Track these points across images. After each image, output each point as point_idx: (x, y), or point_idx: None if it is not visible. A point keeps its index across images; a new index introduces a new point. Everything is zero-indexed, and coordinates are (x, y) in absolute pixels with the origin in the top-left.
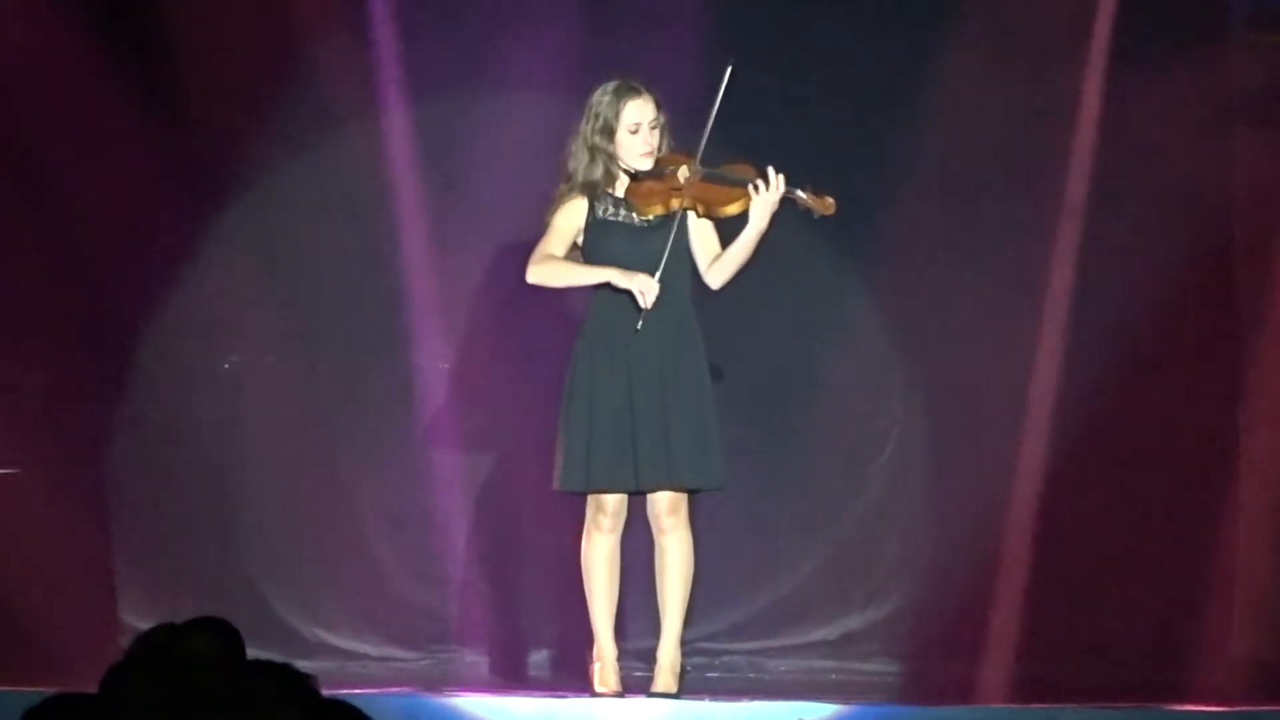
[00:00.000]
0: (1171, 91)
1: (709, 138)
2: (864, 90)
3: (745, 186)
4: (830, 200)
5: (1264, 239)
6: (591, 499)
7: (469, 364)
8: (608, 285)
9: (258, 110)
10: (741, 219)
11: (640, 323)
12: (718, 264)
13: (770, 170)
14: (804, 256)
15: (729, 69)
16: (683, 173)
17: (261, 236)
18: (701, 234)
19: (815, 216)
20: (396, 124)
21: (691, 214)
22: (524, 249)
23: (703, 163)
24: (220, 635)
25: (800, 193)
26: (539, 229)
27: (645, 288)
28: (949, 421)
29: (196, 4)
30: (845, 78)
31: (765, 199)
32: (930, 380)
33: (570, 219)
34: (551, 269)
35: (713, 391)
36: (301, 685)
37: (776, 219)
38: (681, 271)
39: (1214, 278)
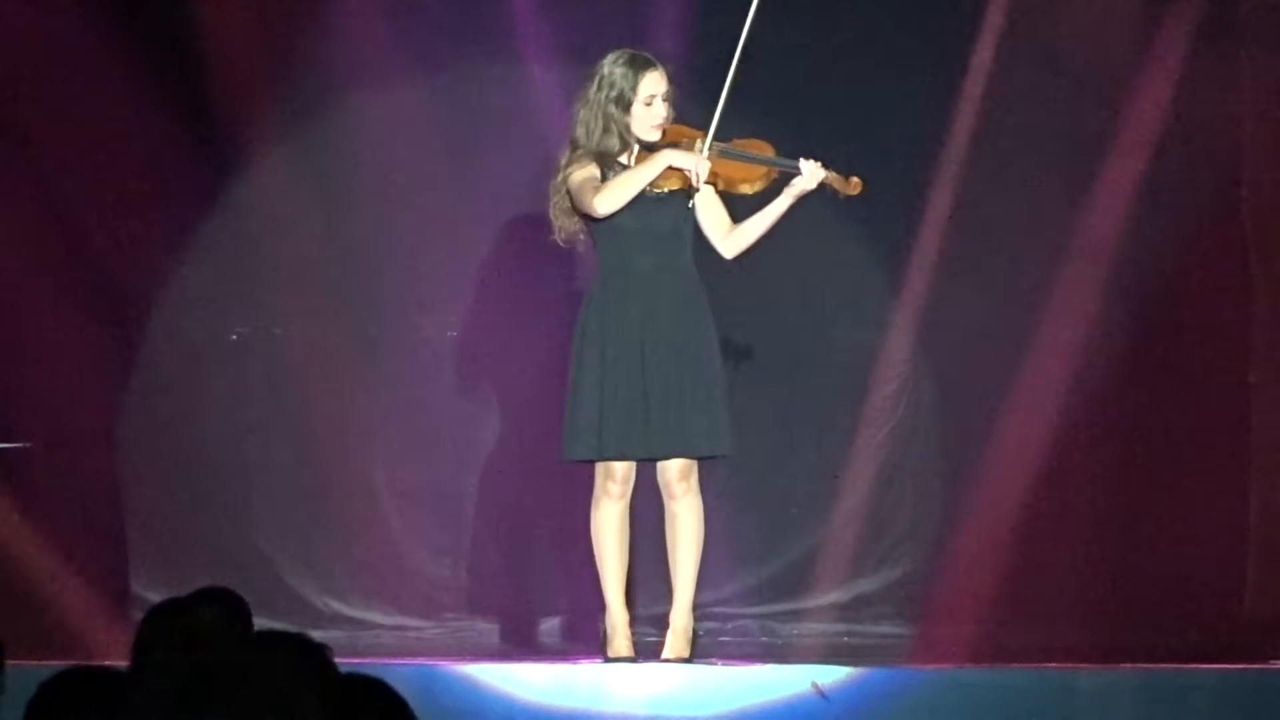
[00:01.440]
0: (1183, 76)
1: (722, 114)
2: (873, 65)
3: (769, 164)
4: (856, 180)
5: (1276, 224)
6: (600, 467)
7: (477, 334)
8: (612, 255)
9: (264, 82)
10: (755, 195)
11: (691, 202)
12: (735, 236)
13: (804, 160)
14: (813, 224)
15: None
16: (697, 147)
17: (268, 209)
18: (712, 207)
19: (841, 198)
20: (402, 95)
21: (711, 188)
22: (530, 219)
23: (716, 138)
24: (227, 605)
25: (828, 173)
26: (544, 199)
27: (701, 168)
28: (959, 385)
29: None
30: (854, 55)
31: (801, 186)
32: (939, 344)
33: (591, 172)
34: (615, 185)
35: (721, 357)
36: (317, 657)
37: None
38: (689, 241)
39: (1227, 252)
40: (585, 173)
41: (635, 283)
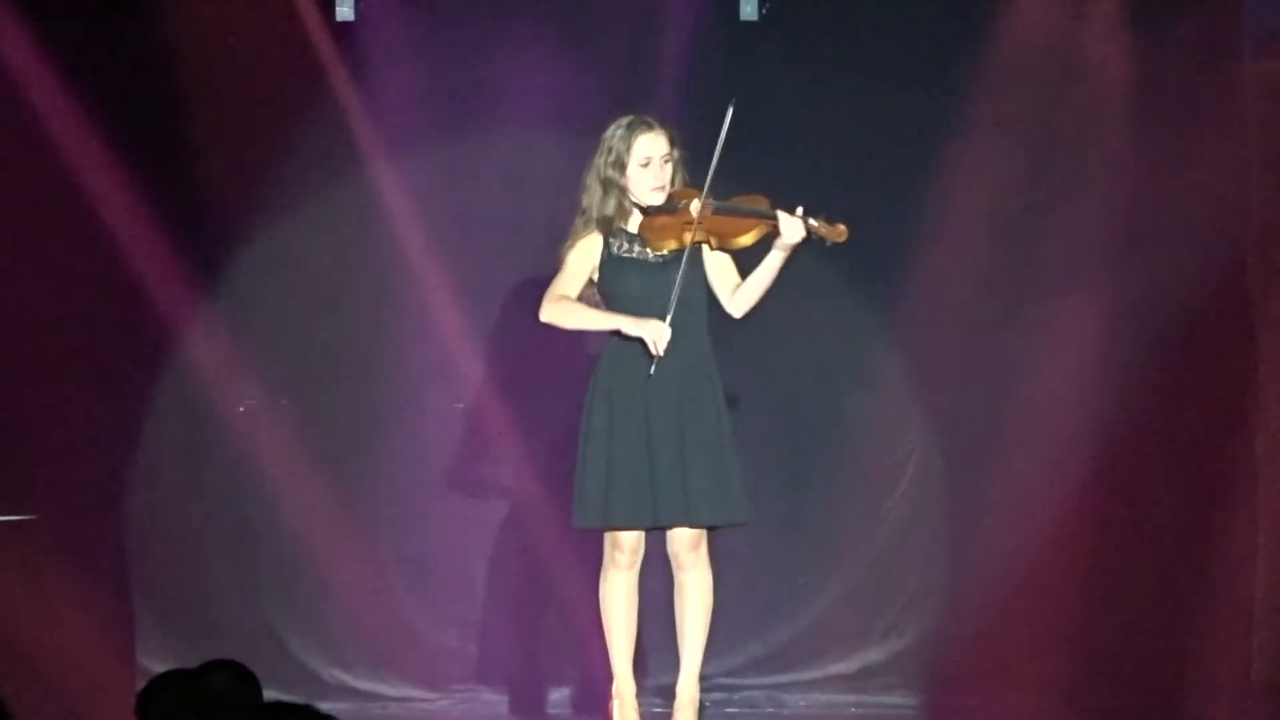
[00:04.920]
0: (1187, 113)
1: (716, 172)
2: (877, 122)
3: (759, 217)
4: (842, 227)
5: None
6: (609, 536)
7: (484, 403)
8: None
9: (269, 152)
10: (757, 248)
11: (653, 368)
12: (740, 294)
13: (786, 212)
14: (820, 289)
15: (730, 110)
16: (694, 207)
17: (275, 280)
18: (719, 265)
19: (828, 245)
20: (408, 165)
21: (705, 246)
22: (537, 286)
23: (713, 195)
24: (237, 676)
25: (813, 221)
26: (551, 267)
27: (657, 335)
28: (966, 453)
29: (206, 54)
30: (856, 110)
31: (785, 239)
32: (946, 412)
33: (584, 258)
34: (564, 310)
35: (731, 425)
36: None
37: (797, 246)
38: (698, 306)
39: (1230, 301)
40: (572, 256)
41: (642, 350)
